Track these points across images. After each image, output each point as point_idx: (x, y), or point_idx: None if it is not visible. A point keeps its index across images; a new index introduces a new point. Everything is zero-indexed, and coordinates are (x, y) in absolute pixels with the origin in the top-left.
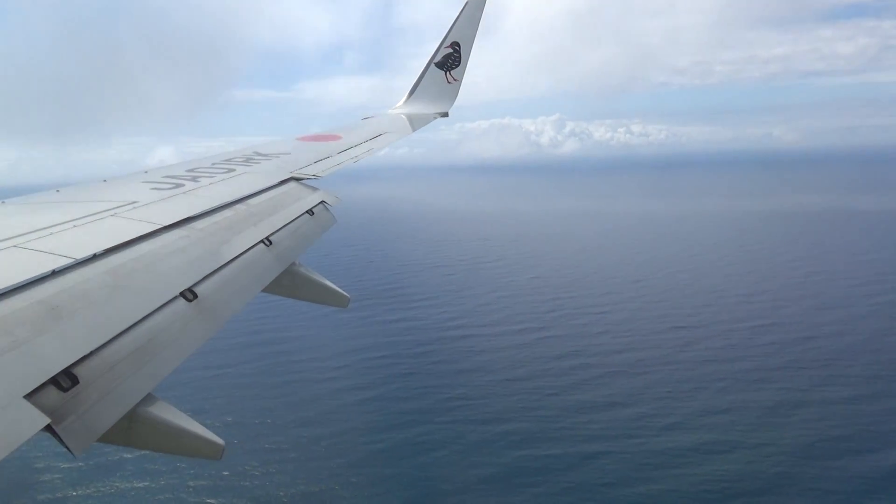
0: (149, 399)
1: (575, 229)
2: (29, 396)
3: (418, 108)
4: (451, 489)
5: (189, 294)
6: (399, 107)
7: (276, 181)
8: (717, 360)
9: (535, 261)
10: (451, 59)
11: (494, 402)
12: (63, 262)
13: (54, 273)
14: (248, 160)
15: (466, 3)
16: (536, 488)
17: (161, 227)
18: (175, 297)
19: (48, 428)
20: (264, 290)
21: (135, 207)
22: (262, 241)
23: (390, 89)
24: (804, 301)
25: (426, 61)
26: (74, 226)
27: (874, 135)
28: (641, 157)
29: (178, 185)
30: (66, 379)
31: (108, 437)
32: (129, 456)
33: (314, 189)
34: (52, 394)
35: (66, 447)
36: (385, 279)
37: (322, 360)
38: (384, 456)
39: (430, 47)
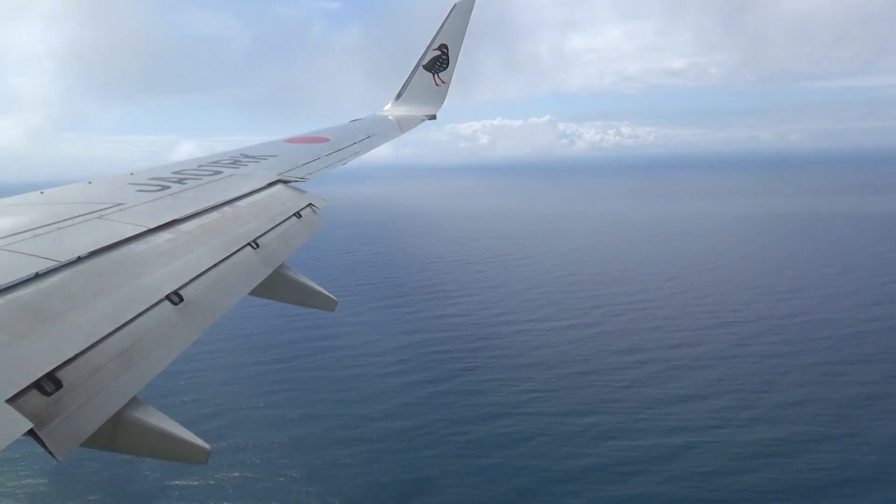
0: (134, 403)
1: (587, 229)
2: (11, 401)
3: (406, 110)
4: (554, 478)
5: (175, 297)
6: (387, 109)
7: (263, 184)
8: (778, 354)
9: (561, 258)
10: (439, 62)
11: (568, 396)
12: (47, 264)
13: (38, 276)
14: (235, 162)
15: (455, 6)
16: (641, 477)
17: (147, 229)
18: (161, 300)
19: (31, 433)
20: (251, 293)
21: (120, 209)
22: (249, 243)
23: None
24: (846, 298)
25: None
26: (59, 228)
27: (862, 137)
28: (631, 159)
29: (164, 188)
30: (49, 383)
31: (91, 442)
32: (224, 444)
33: (302, 192)
34: (35, 398)
35: (50, 452)
36: (417, 275)
37: (380, 354)
38: (475, 446)
39: None
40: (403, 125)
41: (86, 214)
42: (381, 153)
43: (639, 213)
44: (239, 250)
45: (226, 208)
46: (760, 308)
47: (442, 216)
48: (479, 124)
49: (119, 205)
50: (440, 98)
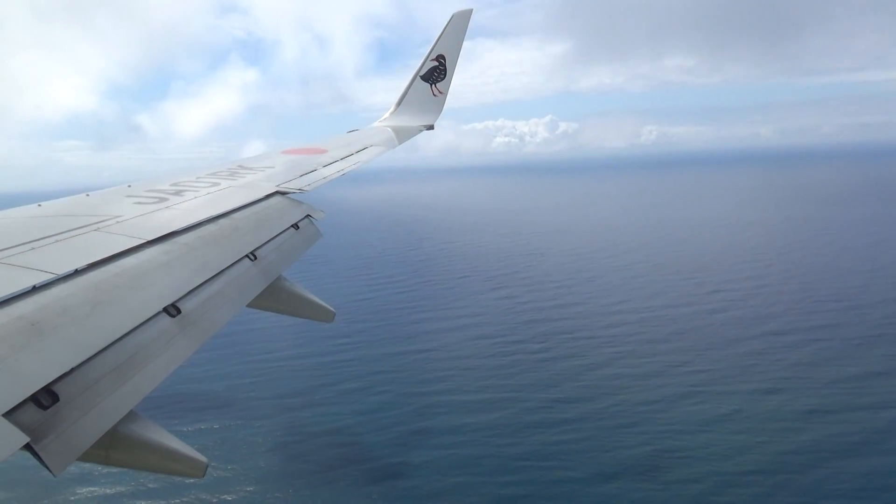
0: (131, 416)
1: (644, 223)
2: (8, 415)
3: (404, 120)
4: (761, 460)
5: (172, 309)
6: (385, 119)
7: (261, 195)
8: None
9: (636, 251)
10: (436, 72)
11: (743, 375)
12: (44, 277)
13: (35, 288)
14: (233, 174)
15: (452, 17)
16: (857, 459)
17: (144, 241)
18: (158, 313)
19: (27, 447)
20: (249, 305)
21: (118, 222)
22: (246, 255)
23: None
24: None
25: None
26: (56, 241)
27: (861, 132)
28: (633, 158)
29: (161, 200)
30: (46, 397)
31: (88, 456)
32: (415, 427)
33: (299, 203)
34: (32, 412)
35: (46, 466)
36: (500, 267)
37: (520, 342)
38: (686, 424)
39: None
40: (401, 136)
41: (83, 227)
42: (380, 158)
43: (688, 207)
44: (236, 262)
45: (223, 220)
46: (882, 291)
47: (487, 212)
48: (482, 125)
49: (116, 217)
50: (438, 108)
